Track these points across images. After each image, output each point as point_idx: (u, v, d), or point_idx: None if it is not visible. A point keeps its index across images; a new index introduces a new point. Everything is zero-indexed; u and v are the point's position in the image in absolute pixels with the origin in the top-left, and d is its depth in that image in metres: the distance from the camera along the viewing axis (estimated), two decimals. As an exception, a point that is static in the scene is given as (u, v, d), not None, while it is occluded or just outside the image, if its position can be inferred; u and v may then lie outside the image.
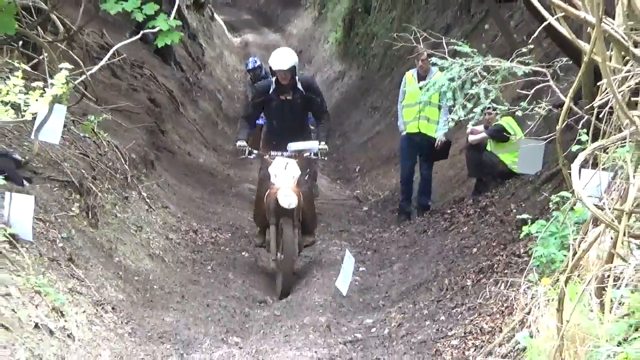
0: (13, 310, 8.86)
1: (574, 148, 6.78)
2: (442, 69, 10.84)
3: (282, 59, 12.43)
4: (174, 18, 12.07)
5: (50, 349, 8.88)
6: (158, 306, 11.49)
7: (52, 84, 8.79)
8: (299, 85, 12.63)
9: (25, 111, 8.13)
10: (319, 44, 32.15)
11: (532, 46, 10.44)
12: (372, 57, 25.26)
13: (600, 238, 6.35)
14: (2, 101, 7.79)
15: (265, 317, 11.15)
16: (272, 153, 12.58)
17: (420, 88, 13.20)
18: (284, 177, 12.17)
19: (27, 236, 10.01)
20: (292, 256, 12.32)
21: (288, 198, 11.99)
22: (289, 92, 12.59)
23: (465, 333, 9.57)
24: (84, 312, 10.15)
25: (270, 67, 12.64)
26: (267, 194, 12.43)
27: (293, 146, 12.51)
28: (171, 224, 14.74)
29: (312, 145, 12.62)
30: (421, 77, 14.22)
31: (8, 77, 8.72)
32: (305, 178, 12.81)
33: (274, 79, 12.70)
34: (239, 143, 12.80)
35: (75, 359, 9.15)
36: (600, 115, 7.15)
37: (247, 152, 12.69)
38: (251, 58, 21.92)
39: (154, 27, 12.54)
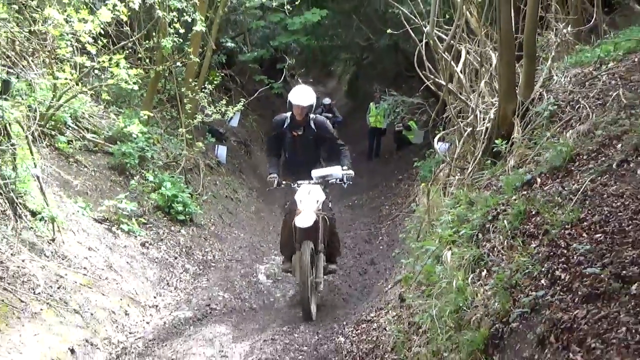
0: (218, 191, 8.97)
1: (437, 132, 6.71)
2: (384, 100, 10.72)
3: (303, 96, 5.59)
4: (282, 79, 12.03)
5: (230, 206, 9.00)
6: (275, 192, 11.51)
7: (236, 105, 8.87)
8: (312, 124, 5.71)
9: (225, 114, 8.13)
10: (339, 91, 31.62)
11: (420, 93, 10.30)
12: (359, 96, 24.79)
13: (444, 168, 6.34)
14: (217, 110, 7.83)
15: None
16: (299, 182, 5.62)
17: (375, 108, 13.11)
18: (308, 202, 5.43)
19: (224, 161, 10.12)
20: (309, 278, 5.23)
21: (302, 219, 5.29)
22: (300, 129, 5.70)
23: (391, 204, 9.55)
24: (244, 191, 10.24)
25: (289, 101, 5.62)
26: (294, 221, 5.39)
27: (316, 173, 5.63)
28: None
29: (335, 171, 5.71)
30: (376, 104, 13.96)
31: (218, 101, 8.78)
32: (329, 205, 5.85)
33: (289, 114, 5.69)
34: (270, 176, 5.57)
35: (240, 210, 9.23)
36: (446, 120, 7.07)
37: (276, 183, 5.52)
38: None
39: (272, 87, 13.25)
